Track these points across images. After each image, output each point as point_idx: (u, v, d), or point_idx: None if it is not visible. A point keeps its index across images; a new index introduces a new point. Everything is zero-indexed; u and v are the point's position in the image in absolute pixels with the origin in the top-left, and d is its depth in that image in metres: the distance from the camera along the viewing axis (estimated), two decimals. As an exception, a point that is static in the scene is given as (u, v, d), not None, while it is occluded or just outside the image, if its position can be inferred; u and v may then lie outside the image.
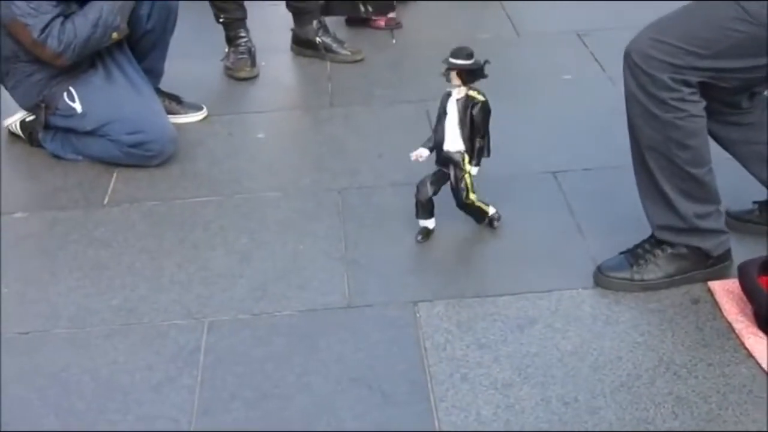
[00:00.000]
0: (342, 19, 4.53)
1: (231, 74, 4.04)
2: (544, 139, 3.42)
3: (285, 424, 2.26)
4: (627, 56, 2.49)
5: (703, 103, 2.48)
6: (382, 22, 4.45)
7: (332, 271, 2.80)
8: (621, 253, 2.68)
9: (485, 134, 2.79)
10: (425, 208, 2.86)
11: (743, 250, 2.66)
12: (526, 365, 2.41)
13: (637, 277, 2.62)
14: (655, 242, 2.64)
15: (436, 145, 2.82)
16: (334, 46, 4.15)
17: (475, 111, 2.74)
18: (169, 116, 3.54)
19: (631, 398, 2.29)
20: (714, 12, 2.42)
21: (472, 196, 2.84)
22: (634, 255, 2.65)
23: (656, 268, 2.62)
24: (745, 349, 2.40)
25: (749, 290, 2.45)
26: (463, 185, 2.81)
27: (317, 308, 2.65)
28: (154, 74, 3.62)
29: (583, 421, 2.23)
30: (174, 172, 3.36)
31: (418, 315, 2.60)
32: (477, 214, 2.91)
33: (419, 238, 2.87)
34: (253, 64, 4.04)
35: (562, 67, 3.96)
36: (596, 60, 4.02)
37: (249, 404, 2.33)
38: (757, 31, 2.37)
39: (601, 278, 2.65)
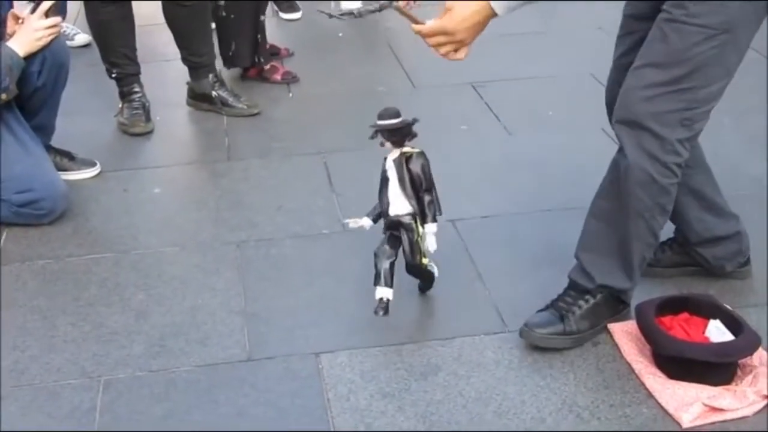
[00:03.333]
0: (238, 73, 4.51)
1: (125, 130, 3.97)
2: (442, 188, 3.41)
3: (185, 483, 2.19)
4: (629, 123, 2.40)
5: None
6: (278, 76, 4.45)
7: (232, 324, 2.74)
8: (541, 310, 2.63)
9: (431, 187, 2.64)
10: (387, 275, 2.62)
11: (638, 291, 2.69)
12: (431, 413, 2.39)
13: (568, 329, 2.57)
14: (576, 294, 2.62)
15: (383, 212, 2.66)
16: (231, 99, 4.12)
17: (411, 164, 2.59)
18: (61, 173, 3.45)
19: (536, 442, 2.29)
20: (679, 40, 2.32)
21: (424, 260, 2.69)
22: (558, 308, 2.61)
23: (583, 319, 2.59)
24: (645, 389, 2.43)
25: (647, 331, 2.49)
26: (415, 247, 2.64)
27: (217, 362, 2.59)
28: (45, 131, 3.53)
29: (490, 467, 2.21)
30: (67, 230, 3.27)
31: (320, 366, 2.56)
32: (425, 277, 2.77)
33: (379, 312, 2.63)
34: (148, 119, 3.99)
35: (458, 118, 4.00)
36: (491, 110, 4.08)
37: (147, 464, 2.25)
38: (727, 38, 2.30)
39: (532, 335, 2.58)
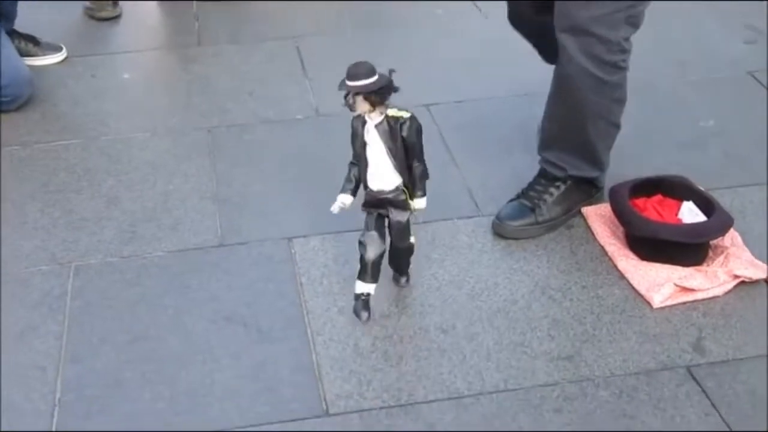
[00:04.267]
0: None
1: (91, 14, 3.86)
2: (417, 73, 3.37)
3: (158, 366, 2.19)
4: (574, 31, 2.35)
5: None
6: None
7: (204, 210, 2.72)
8: (511, 200, 2.60)
9: (422, 154, 2.22)
10: (374, 268, 2.24)
11: (612, 173, 2.68)
12: (404, 296, 2.39)
13: (541, 218, 2.55)
14: (547, 182, 2.60)
15: (365, 187, 2.22)
16: (200, -18, 4.01)
17: (405, 132, 2.14)
18: (26, 59, 3.37)
19: (508, 323, 2.30)
20: None
21: (412, 239, 2.33)
22: (529, 198, 2.58)
23: (556, 206, 2.57)
24: (618, 270, 2.43)
25: (620, 213, 2.48)
26: (406, 226, 2.27)
27: (189, 248, 2.57)
28: (6, 17, 3.43)
29: (461, 348, 2.22)
30: (35, 116, 3.20)
31: (293, 251, 2.55)
32: (407, 257, 2.38)
33: (362, 313, 2.28)
34: (115, 2, 3.88)
35: (433, 2, 3.92)
36: (467, -6, 4.00)
37: (120, 348, 2.25)
38: None
39: (505, 227, 2.56)
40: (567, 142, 2.55)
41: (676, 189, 2.54)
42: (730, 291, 2.36)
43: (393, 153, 2.15)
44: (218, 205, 2.74)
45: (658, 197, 2.54)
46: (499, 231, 2.57)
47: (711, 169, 2.80)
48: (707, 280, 2.35)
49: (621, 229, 2.51)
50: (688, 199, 2.50)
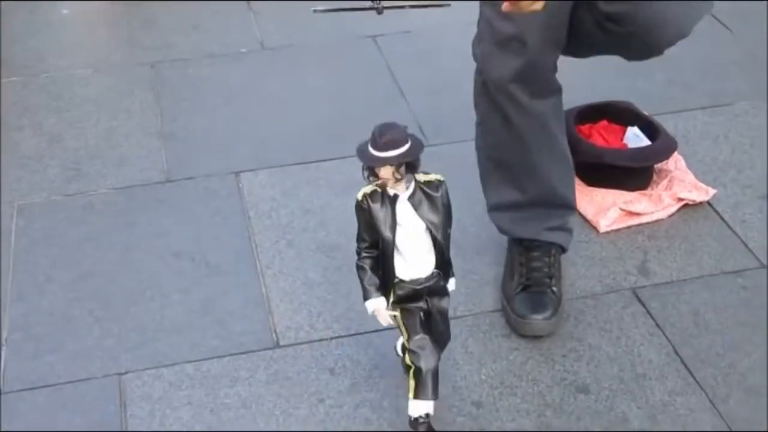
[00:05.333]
0: None
1: (28, -51, 3.76)
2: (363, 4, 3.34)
3: (106, 304, 2.18)
4: None
5: None
6: None
7: (149, 146, 2.69)
8: (522, 290, 2.11)
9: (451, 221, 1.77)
10: (435, 379, 1.77)
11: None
12: (352, 226, 2.37)
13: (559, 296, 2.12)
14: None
15: (393, 277, 1.73)
16: None
17: (446, 197, 1.73)
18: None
19: (457, 249, 2.29)
20: None
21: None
22: (541, 284, 2.13)
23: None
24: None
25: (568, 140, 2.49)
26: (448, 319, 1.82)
27: (135, 184, 2.54)
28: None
29: (411, 277, 2.23)
30: (-29, 54, 3.14)
31: (240, 185, 2.53)
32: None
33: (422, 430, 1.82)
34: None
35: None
36: None
37: (66, 286, 2.23)
38: None
39: (535, 324, 2.07)
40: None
41: (622, 114, 2.55)
42: (674, 214, 2.39)
43: (435, 227, 1.70)
44: (163, 140, 2.71)
45: (604, 123, 2.55)
46: (530, 332, 2.07)
47: (655, 95, 2.82)
48: (652, 204, 2.37)
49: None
50: (633, 125, 2.52)
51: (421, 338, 1.75)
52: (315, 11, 1.62)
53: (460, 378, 1.98)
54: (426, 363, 1.75)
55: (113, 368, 2.02)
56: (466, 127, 2.70)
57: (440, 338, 1.80)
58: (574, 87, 2.73)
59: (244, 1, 3.40)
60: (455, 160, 2.60)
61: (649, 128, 2.48)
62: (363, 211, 1.70)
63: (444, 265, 1.75)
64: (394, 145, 1.62)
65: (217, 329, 2.11)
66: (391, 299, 1.74)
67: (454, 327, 2.08)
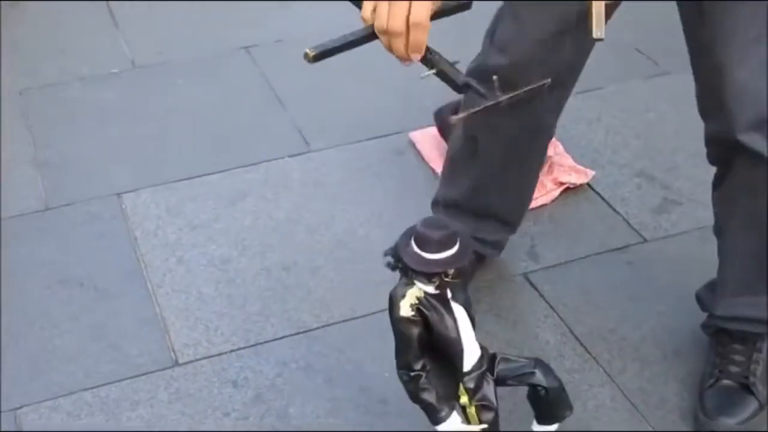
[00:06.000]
0: None
1: None
2: (233, 14, 3.32)
3: (-6, 338, 2.11)
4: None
5: None
6: None
7: (24, 175, 2.60)
8: (710, 386, 1.90)
9: None
10: None
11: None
12: (242, 238, 2.37)
13: (763, 398, 1.89)
14: (744, 346, 1.92)
15: (459, 377, 1.58)
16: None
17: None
18: None
19: (349, 253, 2.32)
20: None
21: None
22: (733, 375, 1.90)
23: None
24: (449, 189, 2.48)
25: (446, 133, 2.52)
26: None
27: (13, 215, 2.46)
28: None
29: (305, 283, 2.23)
30: None
31: (123, 206, 2.48)
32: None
33: None
34: None
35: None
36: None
37: (-50, 325, 2.15)
38: None
39: (721, 426, 1.85)
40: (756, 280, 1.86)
41: (498, 105, 2.59)
42: (557, 198, 2.44)
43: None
44: (39, 169, 2.63)
45: (482, 115, 2.59)
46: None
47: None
48: (535, 190, 2.42)
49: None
50: (509, 115, 2.56)
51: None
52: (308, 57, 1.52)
53: (365, 377, 1.98)
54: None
55: (8, 404, 1.95)
56: (346, 131, 2.74)
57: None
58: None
59: (110, 20, 3.33)
60: (338, 164, 2.62)
61: (526, 117, 2.53)
62: (414, 324, 1.50)
63: None
64: (445, 246, 1.44)
65: (113, 353, 2.06)
66: (463, 399, 1.58)
67: (355, 328, 2.11)
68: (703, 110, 1.74)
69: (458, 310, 1.54)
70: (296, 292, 2.21)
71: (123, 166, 2.64)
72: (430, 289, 1.48)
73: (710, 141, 1.75)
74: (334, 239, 2.36)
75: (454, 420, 1.57)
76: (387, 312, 2.14)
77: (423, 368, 1.54)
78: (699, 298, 2.01)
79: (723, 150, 1.71)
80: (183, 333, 2.11)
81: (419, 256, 1.44)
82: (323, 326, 2.12)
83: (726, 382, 1.88)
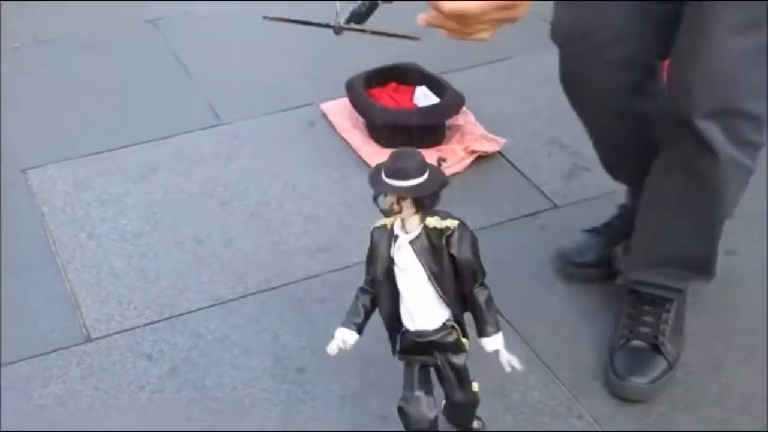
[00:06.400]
0: None
1: None
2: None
3: None
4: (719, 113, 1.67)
5: None
6: None
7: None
8: (622, 345, 1.93)
9: (483, 274, 1.57)
10: None
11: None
12: (154, 212, 2.34)
13: (672, 358, 1.91)
14: (654, 308, 1.96)
15: (396, 328, 1.59)
16: None
17: (455, 248, 1.51)
18: None
19: (263, 224, 2.30)
20: None
21: (474, 386, 1.68)
22: (642, 335, 1.92)
23: (677, 336, 1.95)
24: (363, 160, 2.48)
25: (357, 104, 2.52)
26: (466, 375, 1.64)
27: None
28: None
29: (219, 255, 2.21)
30: None
31: (29, 182, 2.43)
32: (473, 411, 1.74)
33: None
34: None
35: None
36: None
37: None
38: None
39: (632, 388, 1.87)
40: (691, 258, 1.91)
41: (409, 76, 2.61)
42: (469, 166, 2.46)
43: (438, 279, 1.51)
44: (-60, 146, 2.56)
45: (393, 85, 2.60)
46: (625, 394, 1.88)
47: (439, 54, 2.87)
48: (447, 159, 2.44)
49: (361, 120, 2.56)
50: (421, 84, 2.58)
51: (413, 399, 1.59)
52: (265, 18, 1.50)
53: (281, 347, 1.98)
54: (415, 424, 1.59)
55: None
56: (257, 103, 2.72)
57: (455, 397, 1.64)
58: (361, 53, 2.78)
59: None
60: (250, 136, 2.60)
61: (437, 87, 2.55)
62: (371, 243, 1.54)
63: (479, 320, 1.56)
64: (409, 175, 1.44)
65: (23, 330, 2.02)
66: (397, 348, 1.60)
67: (270, 298, 2.09)
68: (669, 88, 1.73)
69: (407, 265, 1.51)
70: (210, 265, 2.19)
71: (27, 142, 2.58)
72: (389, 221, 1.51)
73: (667, 118, 1.75)
74: (248, 211, 2.34)
75: (344, 333, 1.56)
76: (301, 282, 2.15)
77: (368, 282, 1.58)
78: (615, 258, 2.07)
79: (675, 129, 1.72)
80: (95, 308, 2.07)
81: (377, 177, 1.46)
82: (238, 297, 2.10)
83: (636, 342, 1.92)
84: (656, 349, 1.91)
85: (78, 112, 2.69)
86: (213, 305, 2.08)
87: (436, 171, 1.48)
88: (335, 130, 2.60)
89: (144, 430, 1.80)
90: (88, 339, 2.00)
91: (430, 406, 1.60)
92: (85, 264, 2.18)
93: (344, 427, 1.79)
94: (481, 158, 2.48)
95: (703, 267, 1.92)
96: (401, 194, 1.45)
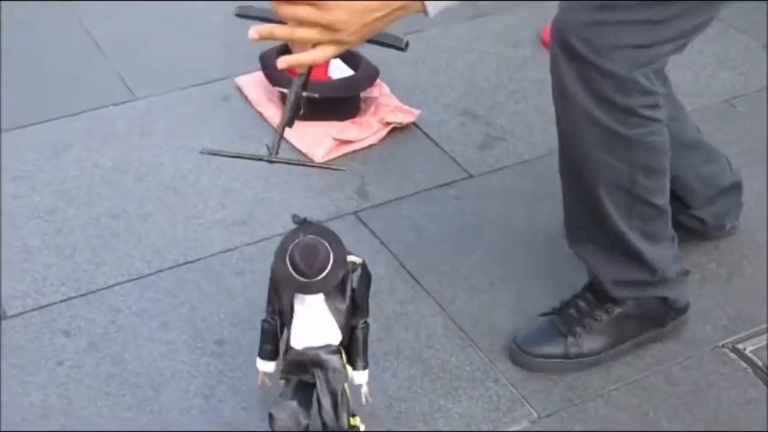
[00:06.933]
0: None
1: None
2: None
3: None
4: (566, 48, 1.65)
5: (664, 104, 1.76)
6: None
7: None
8: (543, 314, 1.95)
9: (367, 310, 1.68)
10: None
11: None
12: (68, 189, 2.31)
13: (573, 350, 1.90)
14: (597, 302, 1.91)
15: (285, 346, 1.65)
16: None
17: (356, 283, 1.63)
18: None
19: (179, 198, 2.30)
20: None
21: (354, 420, 1.69)
22: (566, 319, 1.91)
23: (600, 336, 1.90)
24: (273, 128, 2.48)
25: (272, 77, 2.52)
26: (343, 400, 1.64)
27: None
28: None
29: (135, 230, 2.20)
30: None
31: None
32: None
33: None
34: None
35: None
36: None
37: None
38: None
39: (524, 358, 1.91)
40: (588, 233, 1.86)
41: (323, 48, 2.61)
42: (385, 138, 2.48)
43: (336, 310, 1.61)
44: None
45: (307, 58, 2.60)
46: (517, 360, 1.92)
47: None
48: (362, 131, 2.46)
49: (276, 93, 2.56)
50: (334, 57, 2.58)
51: (284, 406, 1.63)
52: (202, 152, 1.57)
53: (200, 320, 1.98)
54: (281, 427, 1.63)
55: None
56: (170, 78, 2.69)
57: (330, 423, 1.63)
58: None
59: None
60: (164, 111, 2.58)
61: (351, 59, 2.56)
62: (273, 273, 1.61)
63: (353, 352, 1.66)
64: (318, 271, 1.53)
65: (-65, 309, 1.99)
66: (282, 367, 1.66)
67: (187, 272, 2.10)
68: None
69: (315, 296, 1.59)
70: (127, 240, 2.18)
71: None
72: None
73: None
74: (163, 186, 2.33)
75: (265, 365, 1.71)
76: (219, 255, 2.15)
77: (272, 314, 1.67)
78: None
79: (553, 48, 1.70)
80: (9, 285, 2.04)
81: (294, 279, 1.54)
82: (156, 272, 2.09)
83: (556, 318, 1.93)
84: (569, 334, 1.90)
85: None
86: (130, 280, 2.07)
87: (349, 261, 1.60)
88: (250, 103, 2.59)
89: (63, 405, 1.80)
90: (4, 316, 1.98)
91: (297, 415, 1.63)
92: (-2, 241, 2.16)
93: (265, 397, 1.80)
94: (396, 130, 2.51)
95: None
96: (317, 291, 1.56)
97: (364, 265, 1.65)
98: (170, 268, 2.11)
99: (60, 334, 1.94)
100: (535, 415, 1.82)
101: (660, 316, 1.93)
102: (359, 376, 1.68)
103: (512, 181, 2.38)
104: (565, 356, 1.90)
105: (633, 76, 1.64)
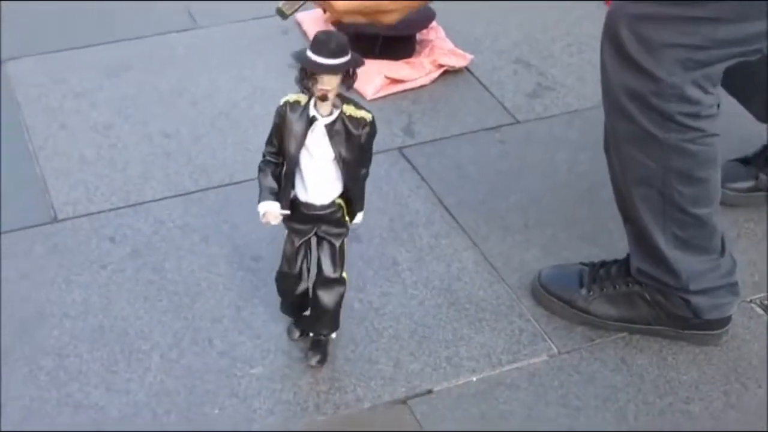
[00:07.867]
0: None
1: None
2: None
3: None
4: (613, 39, 1.62)
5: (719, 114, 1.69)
6: None
7: None
8: (582, 263, 1.97)
9: (370, 160, 1.69)
10: (300, 304, 1.82)
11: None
12: (126, 107, 2.40)
13: (580, 304, 1.92)
14: (622, 272, 1.91)
15: (292, 199, 1.68)
16: None
17: (365, 138, 1.61)
18: None
19: (231, 124, 2.37)
20: None
21: (345, 274, 1.76)
22: (592, 276, 1.93)
23: (609, 305, 1.91)
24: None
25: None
26: (341, 254, 1.73)
27: None
28: None
29: (186, 150, 2.28)
30: None
31: (6, 73, 2.48)
32: (337, 303, 1.78)
33: (294, 335, 1.87)
34: None
35: None
36: None
37: None
38: None
39: (539, 292, 1.96)
40: (628, 214, 1.83)
41: (384, -11, 2.64)
42: (436, 79, 2.52)
43: (345, 163, 1.62)
44: None
45: (367, -2, 2.64)
46: (534, 293, 1.98)
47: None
48: (415, 71, 2.50)
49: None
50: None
51: (290, 259, 1.73)
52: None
53: (239, 237, 2.05)
54: (288, 284, 1.76)
55: None
56: (234, 10, 2.74)
57: (327, 272, 1.72)
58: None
59: None
60: (224, 41, 2.65)
61: (409, 1, 2.59)
62: (280, 117, 1.60)
63: (352, 202, 1.69)
64: (336, 54, 1.50)
65: (-8, 210, 2.09)
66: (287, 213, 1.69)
67: (232, 192, 2.16)
68: None
69: (317, 145, 1.59)
70: (177, 158, 2.25)
71: (6, 33, 2.62)
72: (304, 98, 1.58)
73: None
74: (216, 111, 2.40)
75: (270, 205, 1.66)
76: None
77: (271, 154, 1.65)
78: None
79: (603, 36, 1.68)
80: (63, 192, 2.14)
81: (312, 59, 1.50)
82: (202, 190, 2.17)
83: (587, 270, 1.93)
84: (587, 292, 1.91)
85: (57, 7, 2.73)
86: (177, 195, 2.15)
87: (356, 57, 1.55)
88: (307, 39, 2.65)
89: (102, 304, 1.88)
90: (55, 219, 2.07)
91: (303, 265, 1.74)
92: (56, 151, 2.25)
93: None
94: (448, 73, 2.54)
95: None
96: (328, 71, 1.51)
97: (372, 122, 1.62)
98: (216, 187, 2.18)
99: (106, 240, 2.03)
100: (555, 350, 1.87)
101: (681, 317, 1.88)
102: (357, 218, 1.72)
103: (558, 130, 2.40)
104: (570, 304, 1.92)
105: (674, 82, 1.59)
